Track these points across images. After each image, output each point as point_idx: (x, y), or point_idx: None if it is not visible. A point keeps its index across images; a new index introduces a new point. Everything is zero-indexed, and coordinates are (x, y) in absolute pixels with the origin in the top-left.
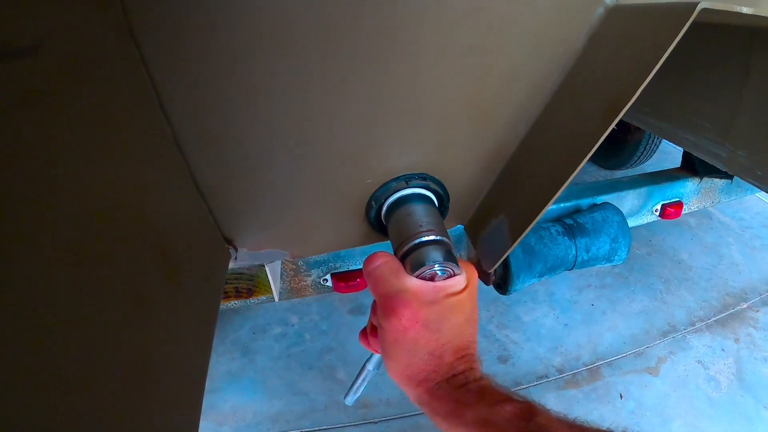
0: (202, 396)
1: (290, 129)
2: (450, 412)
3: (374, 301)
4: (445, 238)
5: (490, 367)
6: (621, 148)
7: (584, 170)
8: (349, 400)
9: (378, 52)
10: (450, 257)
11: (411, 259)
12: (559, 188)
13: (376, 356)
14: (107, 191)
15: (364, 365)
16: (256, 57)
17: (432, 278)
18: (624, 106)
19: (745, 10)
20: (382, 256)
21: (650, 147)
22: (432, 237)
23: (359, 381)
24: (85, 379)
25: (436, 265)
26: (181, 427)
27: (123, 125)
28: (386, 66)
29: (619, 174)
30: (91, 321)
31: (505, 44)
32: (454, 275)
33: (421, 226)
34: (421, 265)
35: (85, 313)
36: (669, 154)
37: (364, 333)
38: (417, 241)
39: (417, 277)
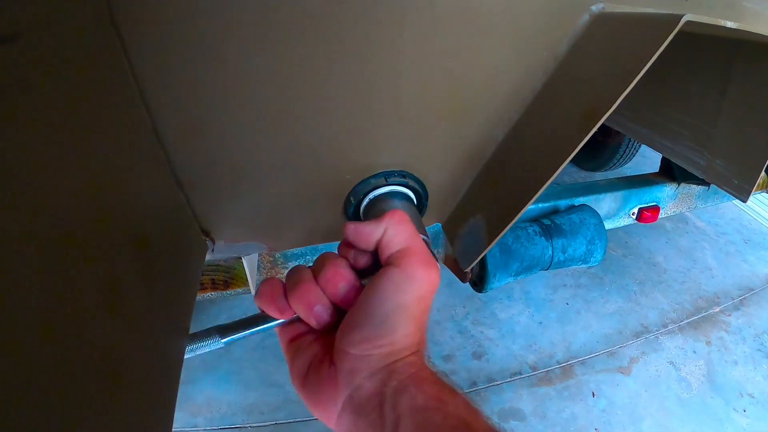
0: (177, 389)
1: (270, 123)
2: (436, 394)
3: (366, 253)
4: (424, 236)
5: (464, 363)
6: (601, 151)
7: (564, 171)
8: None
9: (359, 49)
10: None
11: None
12: (537, 192)
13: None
14: (81, 180)
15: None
16: (237, 50)
17: None
18: (603, 114)
19: (730, 24)
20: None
21: (630, 151)
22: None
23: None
24: (51, 372)
25: None
26: (153, 422)
27: (102, 115)
28: (367, 64)
29: (598, 176)
30: (59, 312)
31: (487, 47)
32: None
33: None
34: None
35: (53, 304)
36: (648, 158)
37: (275, 289)
38: None
39: None
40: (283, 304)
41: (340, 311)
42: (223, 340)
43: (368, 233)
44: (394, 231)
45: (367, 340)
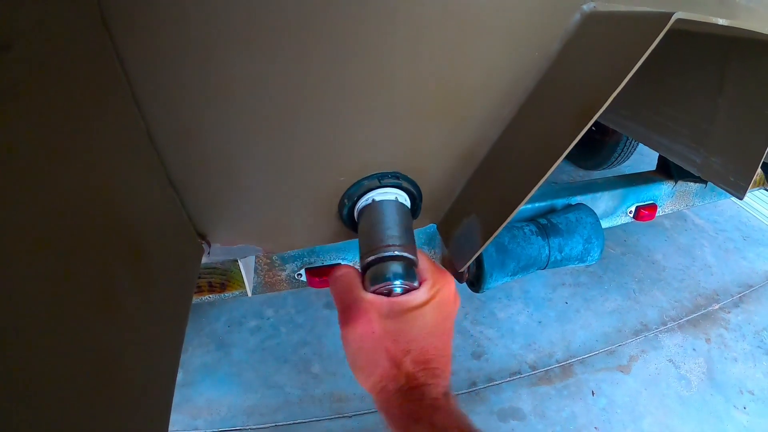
0: (173, 391)
1: (263, 125)
2: (402, 426)
3: None
4: (406, 253)
5: (463, 363)
6: (598, 150)
7: (562, 170)
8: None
9: (350, 51)
10: (409, 274)
11: (370, 273)
12: (530, 190)
13: None
14: (76, 185)
15: None
16: (229, 52)
17: (389, 293)
18: (596, 112)
19: (721, 21)
20: (344, 268)
21: (627, 149)
22: (394, 252)
23: None
24: (47, 375)
25: (395, 281)
26: (149, 423)
27: (95, 118)
28: (359, 65)
29: (595, 175)
30: (55, 316)
31: (479, 47)
32: (412, 290)
33: (386, 237)
34: (379, 280)
35: (49, 308)
36: (646, 156)
37: None
38: (379, 255)
39: (375, 291)
40: None
41: None
42: None
43: None
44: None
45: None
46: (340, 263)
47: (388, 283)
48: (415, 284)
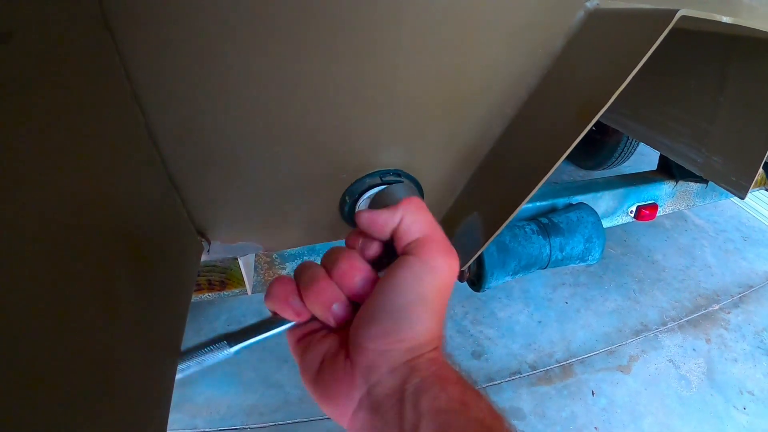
0: (171, 391)
1: (265, 122)
2: (459, 390)
3: (381, 243)
4: None
5: (463, 363)
6: (599, 150)
7: (563, 170)
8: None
9: (353, 47)
10: None
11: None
12: (532, 189)
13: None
14: (74, 181)
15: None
16: (231, 48)
17: None
18: (599, 111)
19: (725, 19)
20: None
21: (628, 149)
22: None
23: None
24: (44, 375)
25: None
26: (147, 424)
27: (95, 114)
28: (362, 62)
29: (596, 174)
30: (52, 314)
31: (482, 45)
32: None
33: None
34: None
35: (46, 306)
36: (647, 156)
37: (288, 289)
38: None
39: None
40: (299, 305)
41: (356, 305)
42: (232, 349)
43: (383, 221)
44: (412, 218)
45: (386, 335)
46: None
47: None
48: None
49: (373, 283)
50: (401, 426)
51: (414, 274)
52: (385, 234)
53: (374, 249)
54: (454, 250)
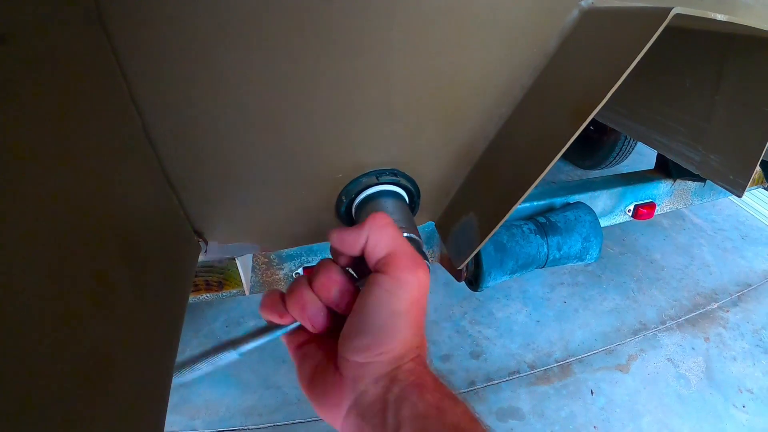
0: (168, 393)
1: (261, 122)
2: (433, 404)
3: (353, 259)
4: (414, 235)
5: (462, 363)
6: (597, 149)
7: (561, 169)
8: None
9: (348, 48)
10: (421, 254)
11: None
12: (528, 188)
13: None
14: (72, 182)
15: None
16: (227, 49)
17: None
18: (593, 110)
19: (720, 17)
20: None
21: (626, 148)
22: (404, 234)
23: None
24: (40, 376)
25: None
26: (144, 425)
27: (92, 115)
28: (356, 62)
29: (594, 174)
30: (48, 315)
31: (476, 44)
32: None
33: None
34: None
35: (42, 307)
36: (645, 156)
37: (275, 298)
38: None
39: None
40: (282, 310)
41: (340, 316)
42: (237, 352)
43: (352, 241)
44: (377, 237)
45: (366, 348)
46: None
47: None
48: (428, 265)
49: (353, 294)
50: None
51: (385, 291)
52: (356, 251)
53: (351, 262)
54: (422, 262)
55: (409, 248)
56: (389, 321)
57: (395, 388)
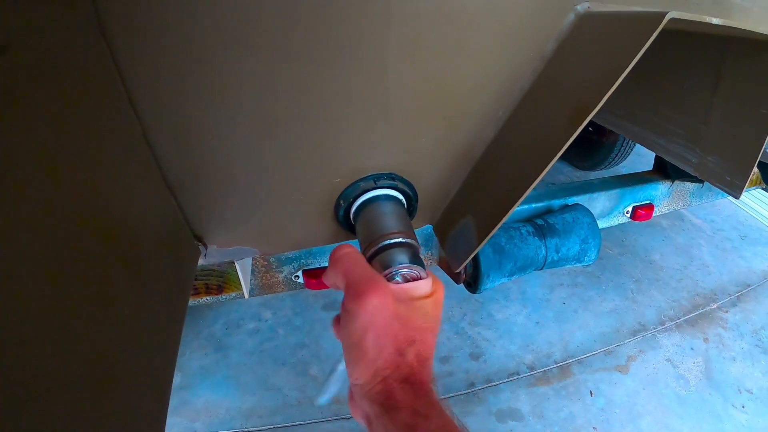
0: (169, 395)
1: (259, 127)
2: (405, 425)
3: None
4: (411, 241)
5: (461, 364)
6: (595, 150)
7: (559, 171)
8: (322, 400)
9: (346, 52)
10: (417, 260)
11: (378, 260)
12: (525, 191)
13: None
14: (72, 187)
15: (336, 365)
16: (225, 55)
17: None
18: (590, 112)
19: (715, 21)
20: (348, 246)
21: (624, 150)
22: (399, 239)
23: (331, 381)
24: (42, 378)
25: (403, 267)
26: (145, 425)
27: (92, 121)
28: (354, 66)
29: (592, 175)
30: (50, 318)
31: (474, 48)
32: (420, 278)
33: (388, 228)
34: (388, 266)
35: (44, 310)
36: (644, 157)
37: (337, 320)
38: (384, 243)
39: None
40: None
41: None
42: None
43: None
44: (333, 274)
45: (350, 374)
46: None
47: (399, 267)
48: (423, 273)
49: None
50: None
51: (344, 323)
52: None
53: None
54: (374, 286)
55: (355, 276)
56: (347, 354)
57: (373, 408)
